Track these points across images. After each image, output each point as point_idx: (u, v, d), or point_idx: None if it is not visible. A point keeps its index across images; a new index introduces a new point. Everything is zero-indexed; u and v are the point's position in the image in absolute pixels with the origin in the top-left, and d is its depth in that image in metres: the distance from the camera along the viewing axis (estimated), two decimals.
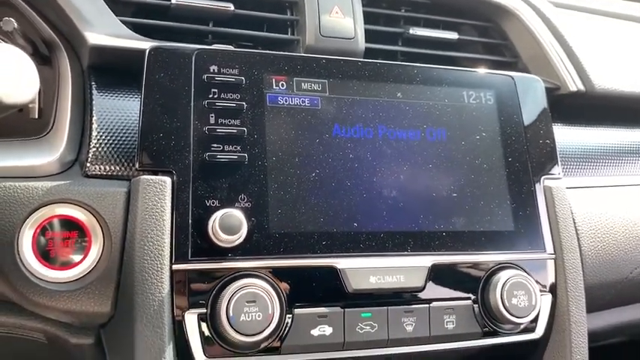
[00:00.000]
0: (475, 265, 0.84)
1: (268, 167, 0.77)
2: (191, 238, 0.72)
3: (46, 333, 0.82)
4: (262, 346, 0.72)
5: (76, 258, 0.73)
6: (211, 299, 0.72)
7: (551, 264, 0.89)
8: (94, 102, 0.81)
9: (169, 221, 0.72)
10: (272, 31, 0.96)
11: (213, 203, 0.74)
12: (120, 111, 0.81)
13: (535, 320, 0.86)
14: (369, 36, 0.97)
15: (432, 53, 1.03)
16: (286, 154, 0.79)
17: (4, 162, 0.74)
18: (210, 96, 0.78)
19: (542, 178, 0.92)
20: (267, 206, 0.76)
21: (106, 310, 0.74)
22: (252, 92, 0.80)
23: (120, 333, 0.75)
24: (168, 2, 0.89)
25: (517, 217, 0.87)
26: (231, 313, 0.69)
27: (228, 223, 0.71)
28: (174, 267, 0.72)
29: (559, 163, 0.94)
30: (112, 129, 0.79)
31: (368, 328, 0.77)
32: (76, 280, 0.73)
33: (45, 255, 0.72)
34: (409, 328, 0.79)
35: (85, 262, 0.73)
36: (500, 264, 0.85)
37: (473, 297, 0.83)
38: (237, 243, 0.73)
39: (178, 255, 0.72)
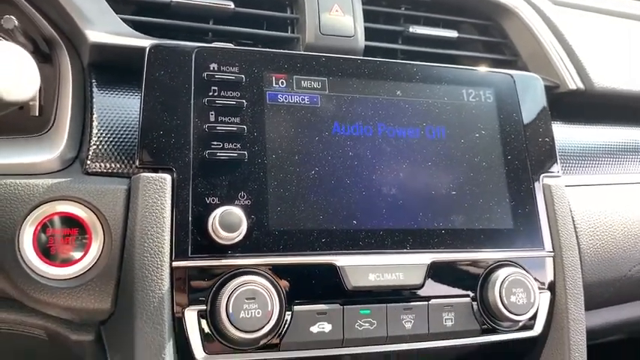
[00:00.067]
0: (474, 263, 0.84)
1: (268, 165, 0.77)
2: (191, 235, 0.73)
3: (46, 329, 0.83)
4: (262, 342, 0.73)
5: (77, 255, 0.73)
6: (211, 296, 0.72)
7: (549, 262, 0.89)
8: (94, 100, 0.81)
9: (169, 218, 0.73)
10: (272, 29, 0.96)
11: (213, 201, 0.74)
12: (120, 109, 0.81)
13: (533, 318, 0.86)
14: (369, 34, 0.97)
15: (431, 51, 1.03)
16: (286, 152, 0.79)
17: (5, 159, 0.75)
18: (210, 94, 0.78)
19: (542, 176, 0.92)
20: (266, 204, 0.76)
21: (106, 306, 0.74)
22: (252, 90, 0.80)
23: (120, 330, 0.76)
24: (169, 0, 0.89)
25: (516, 215, 0.88)
26: (230, 310, 0.70)
27: (228, 221, 0.72)
28: (175, 264, 0.72)
29: (558, 161, 0.94)
30: (112, 126, 0.80)
31: (367, 325, 0.77)
32: (77, 277, 0.73)
33: (45, 252, 0.72)
34: (408, 326, 0.79)
35: (86, 259, 0.73)
36: (499, 262, 0.85)
37: (472, 294, 0.83)
38: (236, 240, 0.73)
39: (178, 252, 0.72)
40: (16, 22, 0.77)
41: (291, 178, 0.78)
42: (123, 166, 0.78)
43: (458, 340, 0.82)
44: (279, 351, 0.74)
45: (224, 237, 0.72)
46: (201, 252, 0.73)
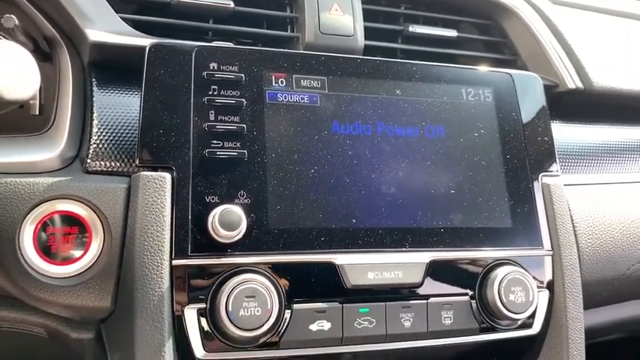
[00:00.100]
0: (473, 262, 0.84)
1: (267, 164, 0.78)
2: (191, 233, 0.73)
3: (46, 328, 0.83)
4: (261, 341, 0.73)
5: (77, 253, 0.73)
6: (211, 294, 0.72)
7: (548, 260, 0.89)
8: (94, 98, 0.81)
9: (169, 217, 0.73)
10: (272, 29, 0.96)
11: (212, 199, 0.74)
12: (120, 107, 0.82)
13: (532, 316, 0.87)
14: (369, 33, 0.97)
15: (431, 51, 1.04)
16: (285, 151, 0.79)
17: (5, 158, 0.75)
18: (210, 93, 0.78)
19: (540, 175, 0.92)
20: (266, 202, 0.76)
21: (106, 305, 0.74)
22: (252, 89, 0.80)
23: (120, 328, 0.76)
24: None
25: (515, 214, 0.88)
26: (230, 308, 0.70)
27: (228, 219, 0.72)
28: (174, 262, 0.72)
29: (557, 160, 0.94)
30: (112, 125, 0.80)
31: (366, 323, 0.77)
32: (77, 275, 0.73)
33: (46, 250, 0.73)
34: (407, 324, 0.79)
35: (86, 258, 0.74)
36: (497, 260, 0.85)
37: (470, 293, 0.83)
38: (236, 239, 0.73)
39: (178, 250, 0.72)
40: (17, 21, 0.77)
41: (291, 177, 0.78)
42: (123, 164, 0.78)
43: (457, 338, 0.82)
44: (279, 349, 0.74)
45: (224, 235, 0.72)
46: (201, 250, 0.73)
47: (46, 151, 0.77)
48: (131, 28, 0.85)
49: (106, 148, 0.78)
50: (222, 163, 0.76)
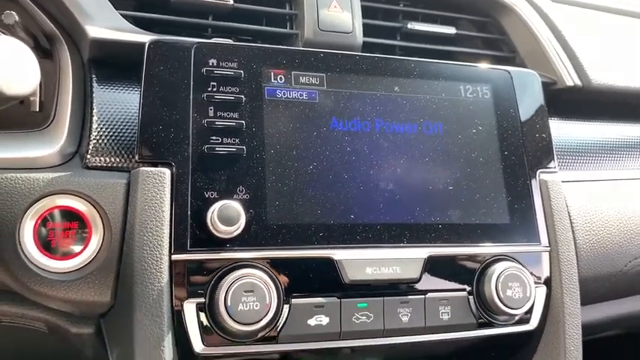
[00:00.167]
0: (470, 257, 0.85)
1: (266, 160, 0.78)
2: (190, 228, 0.73)
3: (47, 322, 0.83)
4: (260, 335, 0.74)
5: (77, 248, 0.74)
6: (210, 289, 0.73)
7: (546, 256, 0.90)
8: (94, 95, 0.82)
9: (168, 212, 0.73)
10: (271, 26, 0.97)
11: (211, 195, 0.75)
12: (120, 104, 0.82)
13: (529, 312, 0.87)
14: (367, 30, 0.98)
15: (430, 48, 1.04)
16: (284, 147, 0.79)
17: (6, 153, 0.75)
18: (209, 89, 0.79)
19: (538, 171, 0.92)
20: (265, 198, 0.77)
21: (105, 299, 0.75)
22: (251, 85, 0.80)
23: (119, 322, 0.77)
24: None
25: (513, 210, 0.88)
26: (229, 303, 0.70)
27: (227, 215, 0.72)
28: (174, 257, 0.73)
29: (555, 157, 0.94)
30: (112, 121, 0.80)
31: (364, 318, 0.78)
32: (77, 270, 0.74)
33: (46, 245, 0.73)
34: (405, 319, 0.80)
35: (86, 253, 0.74)
36: (495, 256, 0.86)
37: (468, 288, 0.84)
38: (235, 234, 0.74)
39: (177, 245, 0.73)
40: (17, 17, 0.78)
41: (290, 173, 0.79)
42: (122, 160, 0.79)
43: (454, 333, 0.83)
44: (277, 343, 0.75)
45: (223, 231, 0.73)
46: (200, 245, 0.73)
47: (46, 147, 0.77)
48: (131, 25, 0.85)
49: (105, 144, 0.79)
50: (221, 159, 0.76)
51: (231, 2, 0.93)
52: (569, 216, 0.95)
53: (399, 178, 0.83)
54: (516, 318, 0.86)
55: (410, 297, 0.80)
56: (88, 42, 0.82)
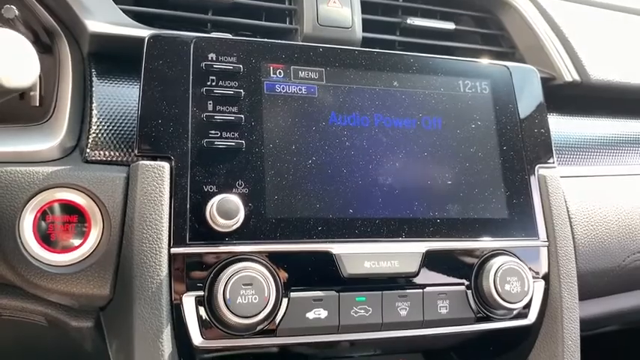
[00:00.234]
0: (469, 252, 0.85)
1: (265, 154, 0.78)
2: (189, 222, 0.74)
3: (46, 316, 0.84)
4: (258, 328, 0.74)
5: (76, 242, 0.74)
6: (209, 282, 0.73)
7: (544, 251, 0.90)
8: (94, 89, 0.82)
9: (168, 206, 0.74)
10: (270, 21, 0.97)
11: (210, 189, 0.75)
12: (119, 98, 0.82)
13: (528, 306, 0.87)
14: (367, 26, 0.98)
15: (429, 43, 1.04)
16: (283, 142, 0.80)
17: (6, 147, 0.76)
18: (209, 83, 0.79)
19: (537, 166, 0.93)
20: (263, 192, 0.77)
21: (105, 292, 0.75)
22: (250, 80, 0.81)
23: (119, 316, 0.77)
24: None
25: (511, 205, 0.88)
26: (227, 296, 0.71)
27: (226, 208, 0.73)
28: (173, 250, 0.73)
29: (553, 152, 0.95)
30: (111, 115, 0.81)
31: (362, 311, 0.78)
32: (76, 263, 0.74)
33: (45, 238, 0.73)
34: (403, 313, 0.80)
35: (85, 246, 0.74)
36: (493, 251, 0.86)
37: (466, 283, 0.84)
38: (234, 228, 0.74)
39: (176, 239, 0.73)
40: (17, 11, 0.78)
41: (288, 167, 0.79)
42: (122, 154, 0.79)
43: (452, 327, 0.83)
44: (276, 336, 0.75)
45: (221, 224, 0.73)
46: (199, 239, 0.74)
47: (46, 141, 0.78)
48: (130, 19, 0.85)
49: (105, 138, 0.79)
50: (220, 153, 0.77)
51: None
52: (568, 211, 0.95)
53: (397, 172, 0.84)
54: (514, 312, 0.86)
55: (408, 291, 0.81)
56: (87, 36, 0.82)
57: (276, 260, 0.76)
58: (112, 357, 0.82)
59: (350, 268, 0.78)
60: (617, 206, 1.02)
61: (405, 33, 1.05)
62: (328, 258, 0.78)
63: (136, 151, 0.75)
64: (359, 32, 0.96)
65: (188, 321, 0.73)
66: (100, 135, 0.79)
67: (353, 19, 0.96)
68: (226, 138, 0.77)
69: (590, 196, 1.00)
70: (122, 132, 0.80)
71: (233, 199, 0.73)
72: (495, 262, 0.84)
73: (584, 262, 0.97)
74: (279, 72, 0.83)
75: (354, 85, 0.85)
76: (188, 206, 0.74)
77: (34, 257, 0.73)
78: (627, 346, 1.56)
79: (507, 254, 0.86)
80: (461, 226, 0.85)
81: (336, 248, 0.78)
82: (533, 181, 0.92)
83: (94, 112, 0.80)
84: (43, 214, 0.73)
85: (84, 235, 0.74)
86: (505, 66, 0.96)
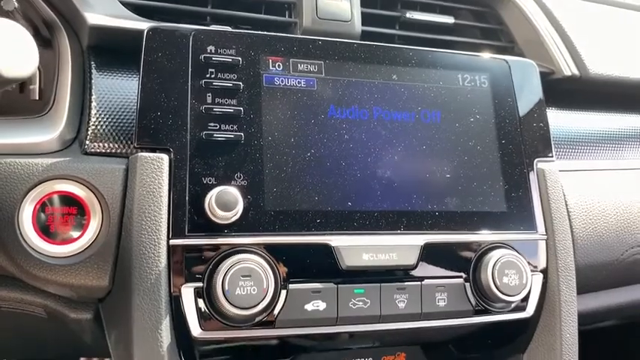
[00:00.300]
0: (467, 245, 0.85)
1: (264, 146, 0.78)
2: (188, 214, 0.74)
3: (45, 308, 0.84)
4: (257, 319, 0.74)
5: (75, 233, 0.74)
6: (207, 274, 0.73)
7: (542, 244, 0.90)
8: (93, 81, 0.82)
9: (167, 197, 0.74)
10: (270, 14, 0.97)
11: (209, 181, 0.75)
12: (119, 90, 0.82)
13: (526, 299, 0.87)
14: (366, 19, 0.98)
15: (428, 37, 1.04)
16: (282, 134, 0.80)
17: (5, 139, 0.76)
18: (208, 76, 0.79)
19: (535, 160, 0.93)
20: (262, 184, 0.77)
21: (104, 284, 0.75)
22: (249, 73, 0.81)
23: (118, 307, 0.77)
24: None
25: (510, 199, 0.89)
26: (226, 287, 0.71)
27: (224, 200, 0.73)
28: (172, 242, 0.73)
29: (552, 146, 0.95)
30: (110, 108, 0.81)
31: (361, 303, 0.78)
32: (75, 254, 0.74)
33: (45, 230, 0.73)
34: (401, 305, 0.80)
35: (84, 238, 0.74)
36: (492, 244, 0.86)
37: (464, 275, 0.84)
38: (233, 220, 0.74)
39: (175, 230, 0.73)
40: (16, 3, 0.78)
41: (287, 160, 0.79)
42: (121, 146, 0.79)
43: (450, 320, 0.83)
44: (274, 328, 0.75)
45: (220, 216, 0.73)
46: (198, 230, 0.74)
47: (46, 133, 0.78)
48: (129, 12, 0.85)
49: (104, 130, 0.79)
50: (219, 146, 0.77)
51: None
52: (566, 205, 0.95)
53: (396, 165, 0.84)
54: (512, 305, 0.86)
55: (406, 283, 0.81)
56: (87, 29, 0.82)
57: (274, 252, 0.76)
58: (111, 348, 0.82)
59: (348, 261, 0.78)
60: (616, 200, 1.02)
61: (405, 27, 1.05)
62: (327, 250, 0.78)
63: (135, 143, 0.76)
64: (358, 26, 0.96)
65: (187, 312, 0.73)
66: (99, 127, 0.79)
67: (352, 12, 0.96)
68: (225, 130, 0.78)
69: (589, 190, 1.00)
70: (121, 124, 0.80)
71: (232, 191, 0.73)
72: (494, 255, 0.84)
73: (583, 256, 0.97)
74: (279, 65, 0.83)
75: (353, 78, 0.85)
76: (187, 198, 0.74)
77: (33, 248, 0.73)
78: (625, 340, 1.56)
79: (506, 247, 0.86)
80: (459, 219, 0.85)
81: (335, 240, 0.78)
82: (532, 175, 0.92)
83: (94, 104, 0.80)
84: (43, 205, 0.74)
85: (83, 226, 0.75)
86: (504, 60, 0.96)
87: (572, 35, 1.09)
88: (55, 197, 0.74)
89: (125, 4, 0.86)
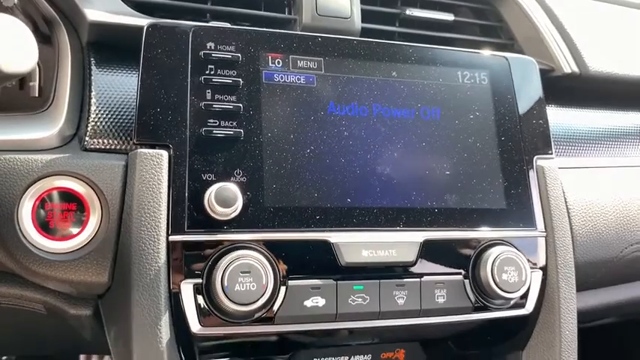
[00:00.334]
0: (466, 242, 0.85)
1: (264, 143, 0.78)
2: (187, 210, 0.74)
3: (45, 304, 0.84)
4: (256, 316, 0.74)
5: (75, 229, 0.74)
6: (207, 270, 0.73)
7: (541, 241, 0.90)
8: (92, 78, 0.82)
9: (166, 194, 0.74)
10: (269, 11, 0.97)
11: (209, 177, 0.75)
12: (118, 87, 0.82)
13: (525, 296, 0.87)
14: (366, 16, 0.98)
15: (428, 34, 1.04)
16: (282, 131, 0.80)
17: (4, 135, 0.76)
18: (207, 72, 0.79)
19: (535, 157, 0.93)
20: (262, 181, 0.77)
21: (103, 280, 0.75)
22: (249, 69, 0.81)
23: (117, 303, 0.77)
24: None
25: (509, 195, 0.89)
26: (225, 283, 0.71)
27: (224, 196, 0.73)
28: (171, 238, 0.73)
29: (552, 143, 0.95)
30: (110, 104, 0.81)
31: (360, 300, 0.78)
32: (75, 250, 0.74)
33: (44, 226, 0.73)
34: (400, 302, 0.80)
35: (84, 234, 0.74)
36: (491, 241, 0.86)
37: (464, 272, 0.84)
38: (232, 216, 0.74)
39: (175, 227, 0.73)
40: (16, 0, 0.78)
41: (287, 157, 0.79)
42: (121, 142, 0.79)
43: (450, 317, 0.83)
44: (274, 324, 0.75)
45: (220, 212, 0.73)
46: (198, 227, 0.74)
47: (45, 129, 0.78)
48: (129, 8, 0.85)
49: (104, 127, 0.79)
50: (218, 142, 0.77)
51: None
52: (566, 202, 0.95)
53: (395, 162, 0.84)
54: (512, 302, 0.86)
55: (406, 280, 0.81)
56: (86, 25, 0.82)
57: (274, 248, 0.76)
58: (110, 345, 0.82)
59: (348, 257, 0.78)
60: (616, 198, 1.02)
61: (404, 24, 1.05)
62: (326, 247, 0.78)
63: (134, 140, 0.76)
64: (358, 22, 0.96)
65: (186, 308, 0.73)
66: (98, 123, 0.79)
67: (352, 9, 0.96)
68: (225, 127, 0.78)
69: (589, 188, 1.00)
70: (121, 120, 0.80)
71: (231, 188, 0.73)
72: (493, 252, 0.84)
73: (582, 253, 0.97)
74: (278, 61, 0.83)
75: (353, 75, 0.85)
76: (186, 194, 0.74)
77: (32, 244, 0.73)
78: (625, 338, 1.57)
79: (505, 244, 0.86)
80: (459, 216, 0.85)
81: (334, 237, 0.78)
82: (532, 172, 0.92)
83: (93, 100, 0.80)
84: (42, 201, 0.74)
85: (82, 222, 0.75)
86: (504, 57, 0.96)
87: (572, 32, 1.09)
88: (55, 193, 0.74)
89: (125, 1, 0.86)
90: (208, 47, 0.80)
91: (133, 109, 0.81)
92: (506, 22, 1.11)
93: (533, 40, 1.09)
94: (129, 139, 0.79)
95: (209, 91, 0.78)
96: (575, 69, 1.08)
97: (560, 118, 1.09)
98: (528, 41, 1.10)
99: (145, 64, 0.77)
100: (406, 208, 0.83)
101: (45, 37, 0.86)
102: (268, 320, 0.75)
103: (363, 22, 0.97)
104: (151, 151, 0.75)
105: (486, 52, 0.96)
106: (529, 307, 0.88)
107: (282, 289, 0.75)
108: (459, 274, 0.84)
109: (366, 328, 0.80)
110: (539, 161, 0.93)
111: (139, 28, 0.79)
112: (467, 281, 0.84)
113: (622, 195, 1.03)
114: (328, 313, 0.77)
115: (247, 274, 0.72)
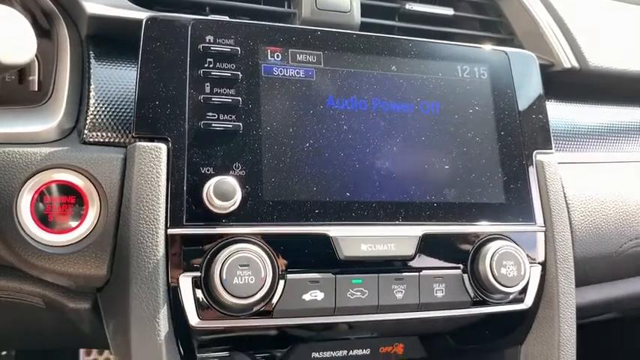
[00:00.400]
0: (465, 236, 0.85)
1: (263, 137, 0.78)
2: (186, 203, 0.74)
3: (44, 297, 0.84)
4: (255, 309, 0.74)
5: (74, 222, 0.74)
6: (205, 263, 0.73)
7: (540, 236, 0.90)
8: (92, 71, 0.82)
9: (165, 187, 0.74)
10: (269, 4, 0.97)
11: (207, 170, 0.75)
12: (117, 80, 0.82)
13: (524, 291, 0.87)
14: (365, 11, 0.97)
15: (427, 29, 1.04)
16: (281, 124, 0.80)
17: (3, 128, 0.76)
18: (206, 65, 0.79)
19: (535, 152, 0.93)
20: (261, 174, 0.77)
21: (102, 273, 0.75)
22: (248, 63, 0.81)
23: (116, 296, 0.77)
24: None
25: (508, 190, 0.89)
26: (224, 276, 0.71)
27: (223, 190, 0.73)
28: (170, 231, 0.73)
29: (551, 138, 0.95)
30: (109, 97, 0.81)
31: (359, 294, 0.78)
32: (74, 243, 0.74)
33: (43, 219, 0.73)
34: (399, 296, 0.80)
35: (82, 227, 0.74)
36: (490, 235, 0.86)
37: (462, 266, 0.84)
38: (231, 209, 0.74)
39: (173, 220, 0.73)
40: None
41: (286, 150, 0.79)
42: (119, 135, 0.79)
43: (448, 311, 0.83)
44: (272, 318, 0.75)
45: (218, 206, 0.73)
46: (196, 220, 0.74)
47: (44, 123, 0.78)
48: (128, 2, 0.85)
49: (103, 120, 0.79)
50: (217, 135, 0.77)
51: None
52: (565, 197, 0.95)
53: (395, 156, 0.84)
54: (511, 297, 0.86)
55: (404, 274, 0.81)
56: (85, 18, 0.82)
57: (272, 242, 0.76)
58: (109, 338, 0.82)
59: (346, 251, 0.78)
60: (615, 193, 1.02)
61: (404, 18, 1.04)
62: (325, 240, 0.78)
63: (133, 133, 0.75)
64: (357, 16, 0.96)
65: (184, 301, 0.73)
66: (97, 117, 0.79)
67: (351, 3, 0.95)
68: (224, 120, 0.77)
69: (588, 183, 1.00)
70: (120, 114, 0.80)
71: (230, 181, 0.73)
72: (492, 246, 0.84)
73: (582, 248, 0.97)
74: (277, 55, 0.83)
75: (352, 69, 0.85)
76: (185, 187, 0.74)
77: (31, 237, 0.73)
78: (624, 333, 1.57)
79: (504, 239, 0.86)
80: (458, 211, 0.85)
81: (333, 231, 0.78)
82: (531, 167, 0.92)
83: (92, 93, 0.80)
84: (41, 194, 0.74)
85: (81, 215, 0.75)
86: (503, 51, 0.96)
87: (572, 28, 1.09)
88: (54, 186, 0.74)
89: None
90: (207, 40, 0.80)
91: (132, 102, 0.80)
92: (505, 16, 1.11)
93: (533, 35, 1.09)
94: (128, 132, 0.79)
95: (208, 84, 0.78)
96: (575, 64, 1.08)
97: (560, 113, 1.09)
98: (528, 36, 1.09)
99: (143, 58, 0.77)
100: (405, 202, 0.83)
101: (44, 31, 0.86)
102: (267, 314, 0.75)
103: (362, 16, 0.96)
104: (149, 144, 0.75)
105: (486, 47, 0.96)
106: (528, 301, 0.88)
107: (281, 282, 0.75)
108: (458, 268, 0.84)
109: (364, 322, 0.80)
110: (539, 156, 0.93)
111: (138, 22, 0.79)
112: (466, 275, 0.84)
113: (621, 190, 1.03)
114: (327, 306, 0.77)
115: (246, 267, 0.72)
